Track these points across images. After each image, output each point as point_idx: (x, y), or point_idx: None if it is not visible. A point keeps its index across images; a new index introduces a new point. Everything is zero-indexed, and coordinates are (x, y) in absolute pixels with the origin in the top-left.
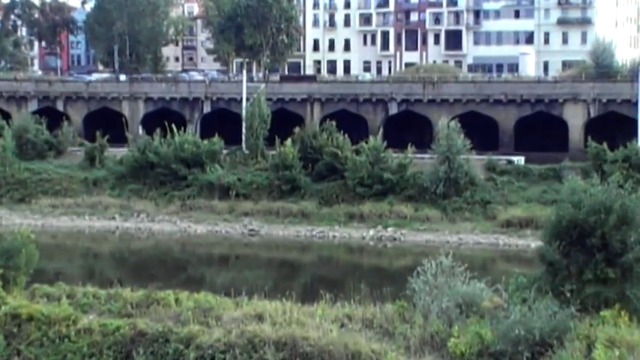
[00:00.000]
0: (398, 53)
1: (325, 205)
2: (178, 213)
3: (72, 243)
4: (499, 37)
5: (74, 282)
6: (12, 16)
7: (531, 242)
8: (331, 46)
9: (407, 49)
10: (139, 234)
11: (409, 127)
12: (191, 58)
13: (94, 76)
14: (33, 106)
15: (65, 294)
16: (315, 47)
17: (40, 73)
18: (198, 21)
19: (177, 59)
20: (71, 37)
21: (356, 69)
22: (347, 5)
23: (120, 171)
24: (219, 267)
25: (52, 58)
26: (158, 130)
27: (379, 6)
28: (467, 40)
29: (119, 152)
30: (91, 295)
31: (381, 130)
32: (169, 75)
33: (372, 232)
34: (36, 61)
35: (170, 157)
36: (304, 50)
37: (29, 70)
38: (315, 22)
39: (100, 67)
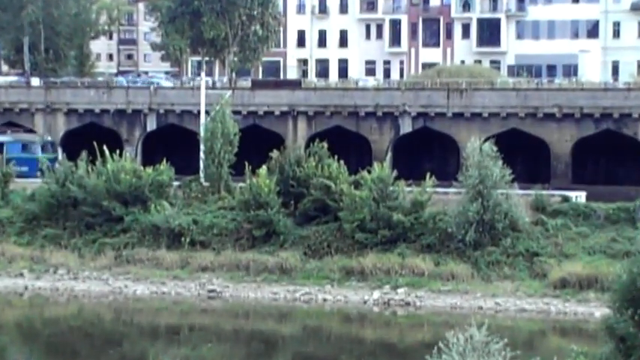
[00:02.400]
0: (413, 50)
1: (313, 257)
2: (111, 268)
3: None
4: (551, 29)
5: None
6: None
7: (595, 309)
8: (322, 41)
9: (425, 44)
10: (56, 296)
11: (428, 151)
12: (130, 56)
13: None
14: None
15: None
16: (301, 42)
17: None
18: (140, 5)
19: (111, 57)
20: None
21: (356, 71)
22: None
23: (31, 210)
24: (166, 341)
25: None
26: (84, 154)
27: None
28: (507, 32)
29: (30, 184)
30: None
31: (390, 155)
32: (100, 79)
33: (376, 294)
34: None
35: (100, 191)
36: (285, 46)
37: None
38: (301, 8)
39: (5, 68)
